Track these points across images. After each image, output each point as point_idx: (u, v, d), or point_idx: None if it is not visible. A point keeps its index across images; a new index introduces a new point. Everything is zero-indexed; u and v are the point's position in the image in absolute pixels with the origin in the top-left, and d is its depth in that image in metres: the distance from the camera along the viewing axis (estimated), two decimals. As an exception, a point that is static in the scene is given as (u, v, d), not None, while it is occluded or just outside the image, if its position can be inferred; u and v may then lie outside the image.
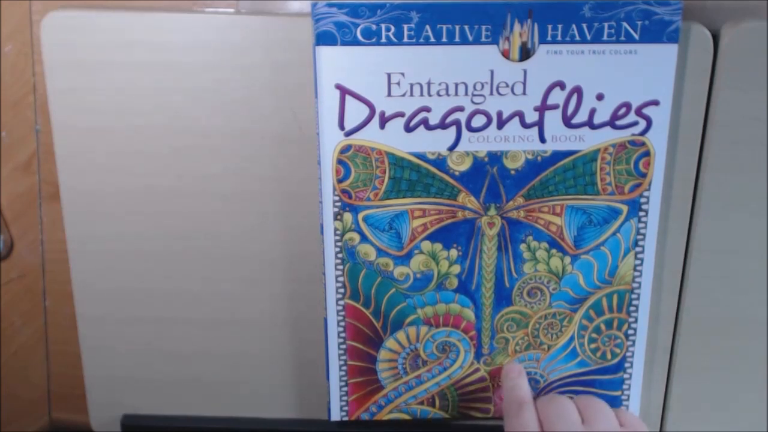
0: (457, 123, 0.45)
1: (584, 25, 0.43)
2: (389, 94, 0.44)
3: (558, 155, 0.45)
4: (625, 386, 0.50)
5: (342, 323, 0.49)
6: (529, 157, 0.45)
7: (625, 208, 0.46)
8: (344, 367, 0.50)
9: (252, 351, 0.52)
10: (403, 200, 0.46)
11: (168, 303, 0.51)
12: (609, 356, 0.49)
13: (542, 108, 0.44)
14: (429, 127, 0.45)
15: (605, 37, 0.43)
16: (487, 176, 0.46)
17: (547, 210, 0.46)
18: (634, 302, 0.48)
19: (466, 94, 0.44)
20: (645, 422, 0.51)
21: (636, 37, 0.43)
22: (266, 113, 0.47)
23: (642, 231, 0.47)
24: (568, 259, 0.47)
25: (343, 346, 0.49)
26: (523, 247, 0.47)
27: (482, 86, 0.44)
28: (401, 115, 0.45)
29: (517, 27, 0.43)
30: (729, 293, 0.49)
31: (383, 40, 0.43)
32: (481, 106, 0.44)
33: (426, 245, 0.47)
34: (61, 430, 0.63)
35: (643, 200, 0.46)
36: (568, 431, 0.43)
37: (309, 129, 0.47)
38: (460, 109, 0.44)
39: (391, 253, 0.47)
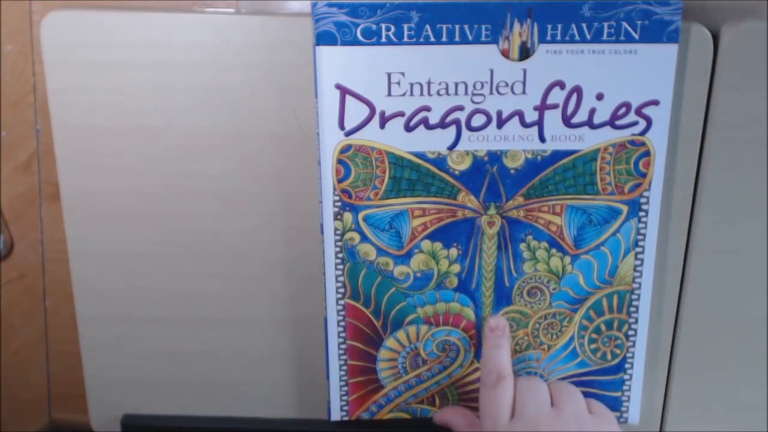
0: (456, 122, 0.45)
1: (584, 25, 0.43)
2: (389, 94, 0.44)
3: (558, 155, 0.45)
4: (625, 387, 0.50)
5: (342, 323, 0.49)
6: (529, 156, 0.45)
7: (625, 208, 0.46)
8: (344, 367, 0.50)
9: (252, 351, 0.52)
10: (403, 200, 0.46)
11: (168, 303, 0.51)
12: (609, 357, 0.49)
13: (542, 107, 0.44)
14: (429, 127, 0.45)
15: (605, 37, 0.43)
16: (487, 175, 0.46)
17: (547, 209, 0.46)
18: (634, 302, 0.48)
19: (466, 93, 0.44)
20: (645, 422, 0.51)
21: (636, 36, 0.43)
22: (266, 113, 0.47)
23: (642, 231, 0.47)
24: (568, 259, 0.47)
25: (343, 346, 0.49)
26: (522, 246, 0.47)
27: (482, 86, 0.44)
28: (401, 114, 0.45)
29: (516, 26, 0.43)
30: (729, 293, 0.49)
31: (383, 39, 0.43)
32: (481, 106, 0.44)
33: (426, 244, 0.47)
34: (61, 430, 0.63)
35: (643, 200, 0.46)
36: (536, 412, 0.43)
37: (309, 129, 0.47)
38: (460, 108, 0.44)
39: (391, 252, 0.47)
